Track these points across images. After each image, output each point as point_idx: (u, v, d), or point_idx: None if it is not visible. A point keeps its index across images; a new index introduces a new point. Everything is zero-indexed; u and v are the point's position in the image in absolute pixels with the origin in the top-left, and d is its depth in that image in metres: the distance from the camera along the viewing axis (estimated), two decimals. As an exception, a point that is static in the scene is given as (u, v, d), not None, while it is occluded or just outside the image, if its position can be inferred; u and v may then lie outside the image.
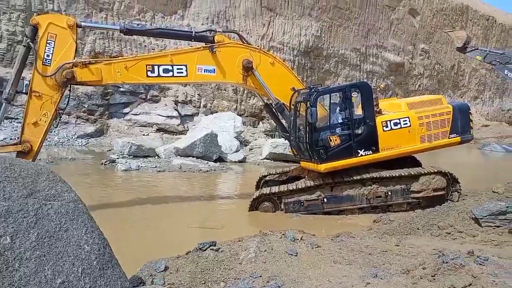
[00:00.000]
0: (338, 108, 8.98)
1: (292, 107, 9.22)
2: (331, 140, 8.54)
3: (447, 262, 4.09)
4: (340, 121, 8.83)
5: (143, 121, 23.49)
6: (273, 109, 9.80)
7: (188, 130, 22.66)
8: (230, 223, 8.11)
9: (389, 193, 8.66)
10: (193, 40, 9.28)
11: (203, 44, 9.01)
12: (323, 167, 8.45)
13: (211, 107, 26.60)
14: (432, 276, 3.96)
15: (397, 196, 8.71)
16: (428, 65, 40.76)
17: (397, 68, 37.88)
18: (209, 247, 4.62)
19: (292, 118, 9.21)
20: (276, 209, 8.82)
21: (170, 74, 8.65)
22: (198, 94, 26.36)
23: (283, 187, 8.93)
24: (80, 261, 3.10)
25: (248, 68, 9.02)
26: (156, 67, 8.53)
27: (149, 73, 8.50)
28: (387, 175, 8.62)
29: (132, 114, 23.68)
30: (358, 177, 8.61)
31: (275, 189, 8.96)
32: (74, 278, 2.98)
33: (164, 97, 25.15)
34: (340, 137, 8.60)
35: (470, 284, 3.70)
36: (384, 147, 8.75)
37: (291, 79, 9.58)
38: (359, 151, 8.61)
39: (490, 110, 47.03)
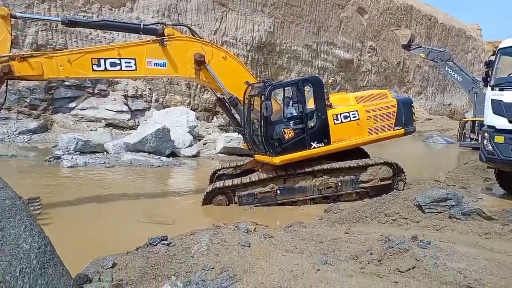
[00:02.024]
0: (291, 102, 9.09)
1: (246, 101, 9.21)
2: (285, 133, 8.63)
3: (392, 247, 4.27)
4: (294, 114, 8.94)
5: (90, 116, 22.45)
6: (226, 103, 9.73)
7: (139, 125, 22.01)
8: (183, 217, 7.98)
9: (339, 184, 8.92)
10: (141, 33, 8.97)
11: (152, 37, 8.73)
12: (278, 159, 8.53)
13: (163, 101, 25.97)
14: (378, 260, 4.12)
15: (347, 186, 9.00)
16: (376, 62, 42.34)
17: (347, 64, 39.04)
18: (160, 241, 4.50)
19: (246, 111, 9.20)
20: (230, 203, 8.79)
21: (118, 68, 8.26)
22: (149, 89, 25.64)
23: (237, 180, 8.92)
24: (18, 260, 2.90)
25: (200, 62, 8.87)
26: (102, 61, 8.10)
27: (94, 67, 8.05)
28: (338, 167, 8.86)
29: (79, 108, 22.55)
30: (310, 169, 8.78)
31: (228, 182, 8.92)
32: (11, 278, 2.78)
33: (113, 91, 24.19)
34: (294, 130, 8.71)
35: (414, 267, 3.89)
36: (336, 139, 8.99)
37: (243, 73, 9.55)
38: (312, 143, 8.78)
39: (433, 104, 49.79)
